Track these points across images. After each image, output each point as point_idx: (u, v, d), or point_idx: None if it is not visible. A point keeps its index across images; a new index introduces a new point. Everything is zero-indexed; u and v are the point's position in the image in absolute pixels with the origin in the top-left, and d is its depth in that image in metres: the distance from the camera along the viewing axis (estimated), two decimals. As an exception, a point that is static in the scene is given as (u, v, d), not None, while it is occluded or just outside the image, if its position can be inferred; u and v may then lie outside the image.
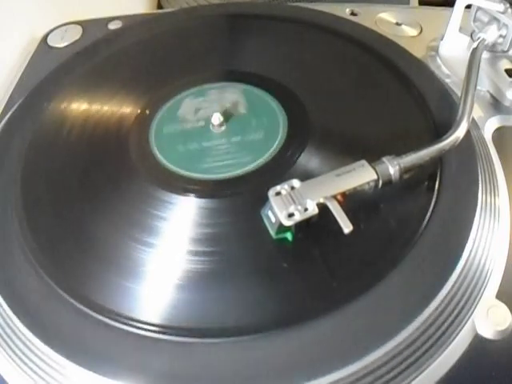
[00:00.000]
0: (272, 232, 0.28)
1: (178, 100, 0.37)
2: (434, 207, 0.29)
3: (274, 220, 0.27)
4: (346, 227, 0.26)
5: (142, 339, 0.25)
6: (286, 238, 0.28)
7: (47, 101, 0.38)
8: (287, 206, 0.27)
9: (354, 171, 0.28)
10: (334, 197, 0.27)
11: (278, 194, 0.27)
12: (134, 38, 0.43)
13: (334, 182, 0.28)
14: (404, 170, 0.29)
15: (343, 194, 0.27)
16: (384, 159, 0.29)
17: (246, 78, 0.38)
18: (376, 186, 0.28)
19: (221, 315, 0.26)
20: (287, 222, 0.26)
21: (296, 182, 0.28)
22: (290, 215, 0.27)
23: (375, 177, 0.28)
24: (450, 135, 0.30)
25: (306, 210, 0.27)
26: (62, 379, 0.25)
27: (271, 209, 0.27)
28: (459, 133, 0.30)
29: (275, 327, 0.25)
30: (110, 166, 0.34)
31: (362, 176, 0.28)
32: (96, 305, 0.27)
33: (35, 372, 0.26)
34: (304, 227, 0.27)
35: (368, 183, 0.28)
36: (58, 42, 0.47)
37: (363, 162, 0.29)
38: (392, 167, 0.28)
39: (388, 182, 0.29)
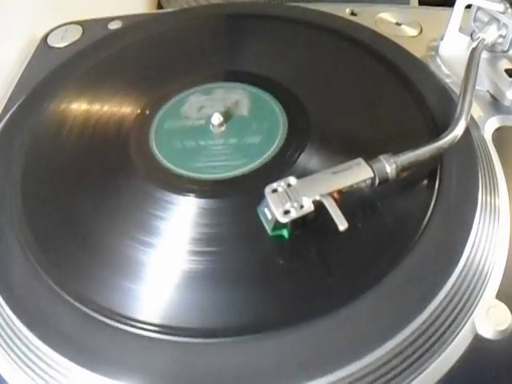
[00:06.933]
0: (268, 229, 0.28)
1: (183, 97, 0.37)
2: (433, 207, 0.29)
3: (270, 217, 0.27)
4: (342, 225, 0.26)
5: (142, 339, 0.25)
6: (282, 235, 0.28)
7: (47, 101, 0.38)
8: (283, 203, 0.27)
9: (351, 169, 0.28)
10: (330, 194, 0.27)
11: (275, 191, 0.27)
12: (134, 38, 0.43)
13: (330, 180, 0.28)
14: (401, 169, 0.29)
15: (339, 192, 0.28)
16: (381, 157, 0.29)
17: (245, 78, 0.38)
18: (373, 184, 0.28)
19: (221, 315, 0.26)
20: (283, 219, 0.27)
21: (292, 180, 0.28)
22: (286, 212, 0.27)
23: (372, 175, 0.28)
24: (448, 134, 0.30)
25: (301, 207, 0.27)
26: (61, 379, 0.25)
27: (267, 206, 0.27)
28: (457, 131, 0.30)
29: (275, 327, 0.25)
30: (110, 165, 0.34)
31: (358, 174, 0.28)
32: (96, 305, 0.27)
33: (35, 372, 0.26)
34: (300, 225, 0.27)
35: (364, 181, 0.28)
36: (58, 41, 0.47)
37: (360, 159, 0.29)
38: (389, 165, 0.28)
39: (385, 181, 0.29)
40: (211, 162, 0.33)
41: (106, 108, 0.37)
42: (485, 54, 0.38)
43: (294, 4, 0.47)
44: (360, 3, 0.48)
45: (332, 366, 0.24)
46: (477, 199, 0.30)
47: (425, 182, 0.31)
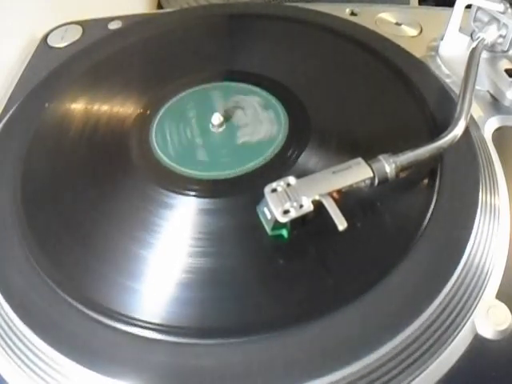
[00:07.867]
0: (267, 229, 0.28)
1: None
2: (434, 207, 0.29)
3: (269, 217, 0.27)
4: (341, 224, 0.26)
5: (142, 339, 0.25)
6: (281, 235, 0.28)
7: (47, 101, 0.38)
8: (283, 203, 0.27)
9: (350, 169, 0.28)
10: (330, 194, 0.27)
11: (274, 190, 0.27)
12: (134, 37, 0.43)
13: (329, 180, 0.28)
14: (400, 169, 0.29)
15: (339, 192, 0.28)
16: (380, 157, 0.29)
17: (245, 78, 0.38)
18: (372, 183, 0.28)
19: (220, 315, 0.26)
20: (282, 219, 0.27)
21: (292, 179, 0.28)
22: (286, 212, 0.27)
23: (371, 174, 0.28)
24: (448, 133, 0.30)
25: (301, 206, 0.27)
26: (61, 379, 0.25)
27: (267, 205, 0.27)
28: (457, 131, 0.30)
29: (274, 327, 0.25)
30: (111, 165, 0.34)
31: (357, 173, 0.28)
32: (96, 304, 0.27)
33: (35, 372, 0.26)
34: (300, 224, 0.27)
35: (364, 181, 0.28)
36: (58, 41, 0.47)
37: (359, 159, 0.29)
38: (388, 165, 0.28)
39: (384, 180, 0.29)
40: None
41: (106, 108, 0.37)
42: (485, 54, 0.38)
43: (293, 4, 0.47)
44: (360, 3, 0.48)
45: (331, 366, 0.24)
46: (477, 199, 0.30)
47: (425, 182, 0.31)
